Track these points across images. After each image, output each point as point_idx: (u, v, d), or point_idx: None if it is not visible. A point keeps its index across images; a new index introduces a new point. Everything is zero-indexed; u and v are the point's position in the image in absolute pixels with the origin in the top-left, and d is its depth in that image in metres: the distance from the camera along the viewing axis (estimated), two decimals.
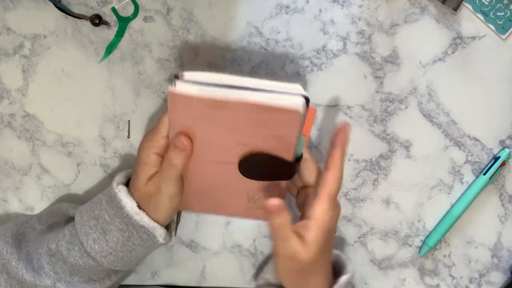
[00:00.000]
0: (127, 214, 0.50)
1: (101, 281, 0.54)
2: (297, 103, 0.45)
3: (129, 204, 0.51)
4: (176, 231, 0.58)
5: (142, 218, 0.51)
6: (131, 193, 0.52)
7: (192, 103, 0.45)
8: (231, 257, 0.64)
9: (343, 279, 0.52)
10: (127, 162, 0.61)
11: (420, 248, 0.64)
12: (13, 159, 0.61)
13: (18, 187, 0.62)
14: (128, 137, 0.61)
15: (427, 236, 0.63)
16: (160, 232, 0.52)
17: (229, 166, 0.50)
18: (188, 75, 0.46)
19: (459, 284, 0.65)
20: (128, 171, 0.55)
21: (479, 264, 0.64)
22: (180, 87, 0.45)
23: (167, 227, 0.54)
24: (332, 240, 0.51)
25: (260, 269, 0.63)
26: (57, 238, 0.53)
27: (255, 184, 0.52)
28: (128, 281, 0.64)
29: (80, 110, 0.60)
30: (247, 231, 0.63)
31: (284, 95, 0.45)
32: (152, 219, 0.51)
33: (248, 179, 0.51)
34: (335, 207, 0.49)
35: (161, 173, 0.50)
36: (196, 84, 0.45)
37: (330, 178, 0.49)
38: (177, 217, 0.57)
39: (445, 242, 0.64)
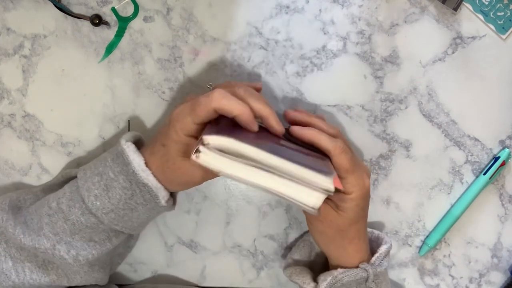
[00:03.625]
0: (133, 171, 0.49)
1: (102, 243, 0.52)
2: (316, 202, 0.44)
3: (136, 160, 0.50)
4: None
5: (147, 176, 0.50)
6: (142, 153, 0.51)
7: (214, 170, 0.44)
8: (231, 257, 0.64)
9: (383, 248, 0.55)
10: None
11: (420, 248, 0.64)
12: (13, 159, 0.61)
13: (18, 187, 0.62)
14: None
15: (427, 236, 0.63)
16: (163, 194, 0.51)
17: None
18: (213, 141, 0.44)
19: (459, 284, 0.65)
20: (136, 133, 0.55)
21: (479, 264, 0.64)
22: (204, 157, 0.44)
23: (172, 194, 0.54)
24: (368, 204, 0.53)
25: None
26: (57, 196, 0.52)
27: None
28: (128, 281, 0.64)
29: (80, 110, 0.60)
30: (247, 231, 0.63)
31: (308, 188, 0.44)
32: (159, 181, 0.50)
33: None
34: (359, 175, 0.51)
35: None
36: (220, 155, 0.44)
37: (334, 160, 0.50)
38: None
39: (445, 242, 0.64)
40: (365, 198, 0.52)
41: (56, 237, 0.51)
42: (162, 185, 0.51)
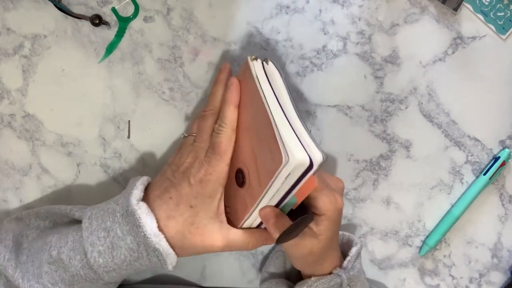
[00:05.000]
0: (144, 234, 0.47)
1: None
2: (296, 158, 0.43)
3: (148, 223, 0.47)
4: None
5: (159, 241, 0.48)
6: (153, 210, 0.49)
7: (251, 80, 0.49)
8: (231, 257, 0.64)
9: (353, 250, 0.55)
10: (127, 162, 0.61)
11: (420, 248, 0.64)
12: (13, 159, 0.61)
13: (18, 187, 0.62)
14: (128, 137, 0.61)
15: (427, 236, 0.63)
16: (172, 260, 0.49)
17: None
18: (270, 66, 0.50)
19: (459, 284, 0.65)
20: (144, 179, 0.52)
21: (479, 264, 0.64)
22: (255, 66, 0.50)
23: None
24: (340, 222, 0.52)
25: (262, 264, 0.64)
26: (59, 244, 0.50)
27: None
28: (128, 281, 0.64)
29: (80, 110, 0.60)
30: None
31: (299, 145, 0.44)
32: (169, 241, 0.48)
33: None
34: (330, 193, 0.49)
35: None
36: (264, 76, 0.49)
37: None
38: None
39: (445, 242, 0.64)
40: (340, 215, 0.50)
41: (53, 287, 0.49)
42: (174, 250, 0.49)
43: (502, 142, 0.62)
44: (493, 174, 0.61)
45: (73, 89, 0.60)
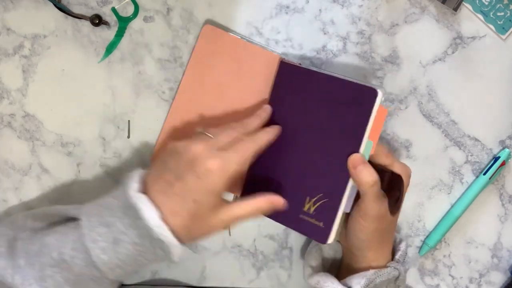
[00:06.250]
0: (147, 226, 0.46)
1: None
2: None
3: (151, 215, 0.46)
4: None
5: (163, 231, 0.46)
6: (154, 202, 0.47)
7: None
8: (231, 257, 0.64)
9: (403, 245, 0.56)
10: (127, 162, 0.61)
11: (420, 248, 0.64)
12: (13, 159, 0.61)
13: (18, 187, 0.62)
14: (128, 137, 0.61)
15: (427, 236, 0.63)
16: (177, 250, 0.48)
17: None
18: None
19: (459, 284, 0.65)
20: (140, 172, 0.50)
21: (479, 264, 0.64)
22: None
23: None
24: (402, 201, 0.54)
25: (263, 264, 0.64)
26: (59, 244, 0.48)
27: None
28: (129, 281, 0.64)
29: (80, 110, 0.60)
30: (247, 231, 0.63)
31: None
32: (175, 234, 0.47)
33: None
34: (400, 161, 0.54)
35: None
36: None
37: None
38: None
39: (445, 242, 0.64)
40: (407, 187, 0.53)
41: None
42: (178, 240, 0.48)
43: (502, 142, 0.62)
44: (493, 174, 0.61)
45: (73, 89, 0.60)
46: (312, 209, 0.52)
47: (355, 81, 0.51)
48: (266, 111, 0.56)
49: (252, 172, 0.57)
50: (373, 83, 0.58)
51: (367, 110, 0.49)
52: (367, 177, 0.49)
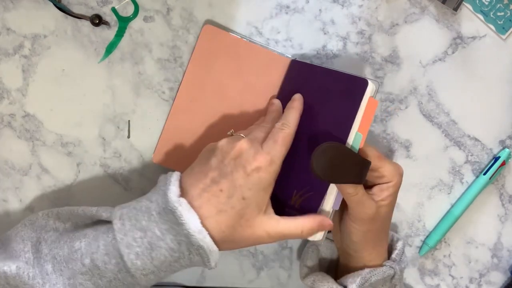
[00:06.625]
0: (188, 232, 0.44)
1: None
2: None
3: (192, 220, 0.45)
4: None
5: (204, 237, 0.45)
6: (194, 207, 0.46)
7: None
8: (231, 257, 0.64)
9: (399, 244, 0.56)
10: (127, 162, 0.61)
11: (420, 248, 0.64)
12: (13, 159, 0.61)
13: (18, 187, 0.62)
14: (128, 137, 0.61)
15: (427, 236, 0.63)
16: (215, 257, 0.46)
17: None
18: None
19: (459, 284, 0.65)
20: (178, 175, 0.49)
21: (479, 264, 0.64)
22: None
23: None
24: (396, 199, 0.54)
25: (266, 263, 0.64)
26: (90, 250, 0.46)
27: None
28: None
29: (80, 110, 0.60)
30: None
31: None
32: (214, 239, 0.46)
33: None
34: (393, 162, 0.53)
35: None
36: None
37: (364, 150, 0.50)
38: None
39: (445, 242, 0.64)
40: (401, 181, 0.52)
41: None
42: (221, 246, 0.46)
43: (502, 142, 0.62)
44: (493, 174, 0.61)
45: (73, 89, 0.60)
46: (298, 202, 0.51)
47: (348, 72, 0.50)
48: (276, 104, 0.55)
49: None
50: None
51: (357, 101, 0.48)
52: (348, 188, 0.48)
